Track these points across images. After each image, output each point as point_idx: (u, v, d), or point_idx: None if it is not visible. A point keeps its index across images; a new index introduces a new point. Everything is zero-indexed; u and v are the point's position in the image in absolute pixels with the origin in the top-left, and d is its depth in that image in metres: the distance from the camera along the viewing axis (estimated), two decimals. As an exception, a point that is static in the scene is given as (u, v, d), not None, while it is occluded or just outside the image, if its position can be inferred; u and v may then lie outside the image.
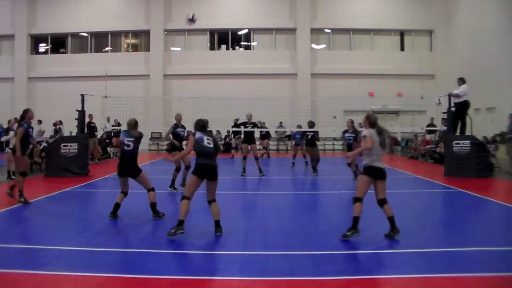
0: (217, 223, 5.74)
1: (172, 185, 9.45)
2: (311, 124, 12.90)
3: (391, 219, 5.45)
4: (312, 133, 12.67)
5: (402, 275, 4.24)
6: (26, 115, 8.25)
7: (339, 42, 25.02)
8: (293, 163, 14.48)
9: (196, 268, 4.47)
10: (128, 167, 6.72)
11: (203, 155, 5.68)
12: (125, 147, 6.65)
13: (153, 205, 6.76)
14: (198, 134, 5.77)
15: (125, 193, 6.86)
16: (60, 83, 23.91)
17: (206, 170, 5.67)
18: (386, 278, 4.17)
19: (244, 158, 12.38)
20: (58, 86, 23.83)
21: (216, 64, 23.92)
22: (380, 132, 5.40)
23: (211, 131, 6.29)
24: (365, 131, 5.45)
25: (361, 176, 5.54)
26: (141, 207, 7.82)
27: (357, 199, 5.40)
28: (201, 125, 5.86)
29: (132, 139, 6.67)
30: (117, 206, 6.76)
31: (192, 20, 12.92)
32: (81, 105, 12.60)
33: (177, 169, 9.36)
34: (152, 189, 6.82)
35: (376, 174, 5.41)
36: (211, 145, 5.70)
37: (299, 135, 14.56)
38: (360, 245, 5.29)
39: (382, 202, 5.50)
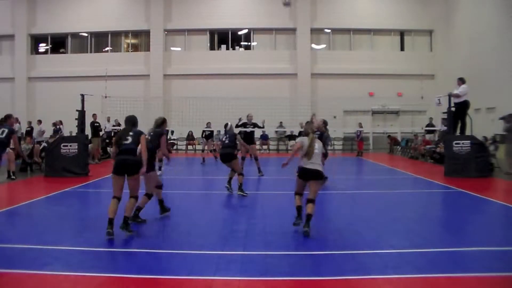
0: (125, 219, 5.56)
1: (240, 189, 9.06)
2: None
3: (308, 216, 5.71)
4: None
5: (402, 275, 4.23)
6: (8, 120, 8.42)
7: (339, 42, 25.02)
8: None
9: (196, 268, 4.47)
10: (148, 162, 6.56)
11: (122, 152, 5.70)
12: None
13: (138, 209, 6.47)
14: (122, 131, 6.00)
15: (159, 187, 6.86)
16: (60, 83, 23.91)
17: (127, 167, 5.64)
18: (386, 278, 4.16)
19: (243, 158, 12.38)
20: (58, 86, 23.83)
21: (216, 64, 23.92)
22: (311, 140, 5.95)
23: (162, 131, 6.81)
24: (298, 139, 6.31)
25: (296, 178, 6.10)
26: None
27: (296, 193, 6.08)
28: (130, 122, 6.04)
29: (151, 133, 6.80)
30: (161, 202, 6.84)
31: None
32: (81, 105, 12.60)
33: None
34: (160, 187, 6.85)
35: (305, 175, 5.89)
36: (129, 141, 5.74)
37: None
38: (360, 245, 5.29)
39: (308, 201, 5.85)
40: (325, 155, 10.18)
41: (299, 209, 6.00)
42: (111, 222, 5.48)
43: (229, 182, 9.15)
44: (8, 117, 8.51)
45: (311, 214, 5.71)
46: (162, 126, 6.90)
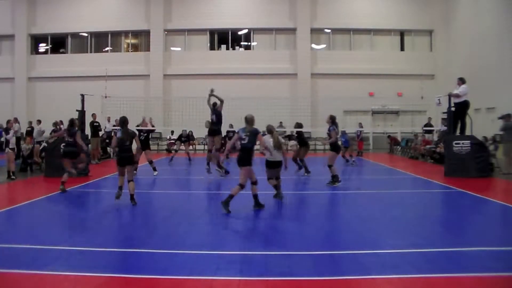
0: (132, 196, 7.77)
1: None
2: (298, 125, 13.12)
3: (275, 187, 8.14)
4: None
5: (402, 275, 4.24)
6: (74, 123, 10.05)
7: (339, 42, 25.02)
8: (347, 160, 15.81)
9: (196, 268, 4.47)
10: (244, 159, 7.35)
11: (122, 150, 7.90)
12: (242, 141, 7.47)
13: (255, 196, 7.53)
14: (119, 134, 8.00)
15: (241, 186, 7.28)
16: (60, 83, 23.90)
17: (124, 160, 7.89)
18: (386, 278, 4.16)
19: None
20: (58, 86, 23.83)
21: (216, 64, 23.91)
22: (274, 138, 7.89)
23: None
24: (263, 138, 7.87)
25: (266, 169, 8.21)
26: (141, 206, 7.83)
27: (268, 179, 8.23)
28: (122, 122, 8.09)
29: (247, 133, 7.38)
30: (231, 197, 7.22)
31: None
32: (81, 105, 12.60)
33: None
34: (255, 183, 7.45)
35: (272, 165, 8.05)
36: (128, 143, 7.94)
37: (344, 138, 15.86)
38: (360, 245, 5.29)
39: (276, 178, 8.10)
40: (338, 149, 10.57)
41: (275, 187, 8.20)
42: (120, 188, 7.82)
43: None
44: (73, 121, 10.07)
45: (276, 185, 8.19)
46: (253, 123, 7.56)
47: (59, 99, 22.62)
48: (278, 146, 7.81)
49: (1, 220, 6.87)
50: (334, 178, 10.09)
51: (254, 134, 7.37)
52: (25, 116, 22.09)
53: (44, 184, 11.00)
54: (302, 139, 12.47)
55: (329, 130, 10.33)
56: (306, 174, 12.14)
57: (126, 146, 7.85)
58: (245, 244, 5.38)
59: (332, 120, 10.39)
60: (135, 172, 12.18)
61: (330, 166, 10.17)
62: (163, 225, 6.52)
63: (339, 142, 15.58)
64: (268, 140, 7.83)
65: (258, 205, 7.49)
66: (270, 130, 7.93)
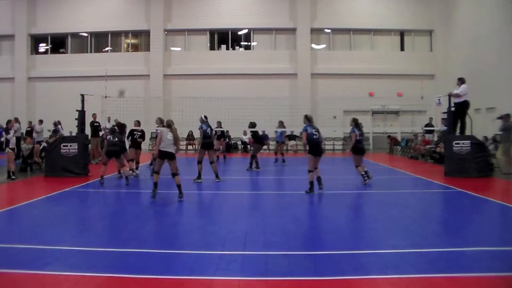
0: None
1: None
2: (252, 125, 14.37)
3: (178, 187, 8.18)
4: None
5: (402, 275, 4.23)
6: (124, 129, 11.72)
7: (339, 42, 25.01)
8: (281, 160, 16.24)
9: (196, 268, 4.47)
10: (320, 150, 9.12)
11: (111, 144, 10.53)
12: (314, 136, 8.97)
13: (318, 179, 8.99)
14: (109, 136, 10.56)
15: (315, 169, 8.95)
16: (60, 83, 23.90)
17: (114, 153, 10.52)
18: (386, 278, 4.16)
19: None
20: (58, 86, 23.83)
21: (216, 64, 23.91)
22: (174, 132, 8.30)
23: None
24: (160, 129, 8.89)
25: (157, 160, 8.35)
26: (141, 206, 7.83)
27: (156, 172, 8.28)
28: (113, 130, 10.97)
29: (317, 130, 9.04)
30: (318, 179, 8.99)
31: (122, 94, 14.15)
32: (81, 105, 12.59)
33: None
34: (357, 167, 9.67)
35: (164, 155, 8.19)
36: (116, 142, 10.55)
37: (279, 134, 16.56)
38: (360, 245, 5.29)
39: (173, 175, 8.23)
40: (359, 151, 10.61)
41: (156, 183, 8.19)
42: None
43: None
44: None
45: (180, 184, 8.17)
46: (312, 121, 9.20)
47: (59, 99, 22.63)
48: (176, 139, 8.25)
49: (1, 220, 6.88)
50: (366, 174, 10.51)
51: (318, 130, 9.14)
52: (25, 116, 22.08)
53: (44, 184, 11.00)
54: (257, 137, 14.32)
55: (350, 132, 10.72)
56: (250, 168, 13.43)
57: (114, 141, 10.67)
58: (245, 244, 5.38)
59: (355, 123, 10.58)
60: (138, 172, 12.10)
61: (357, 166, 10.59)
62: (163, 225, 6.52)
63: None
64: (166, 132, 8.22)
65: (320, 186, 8.96)
66: (169, 124, 8.41)
